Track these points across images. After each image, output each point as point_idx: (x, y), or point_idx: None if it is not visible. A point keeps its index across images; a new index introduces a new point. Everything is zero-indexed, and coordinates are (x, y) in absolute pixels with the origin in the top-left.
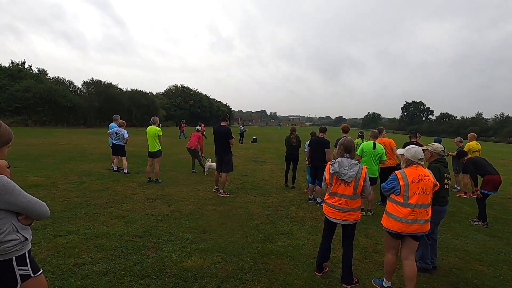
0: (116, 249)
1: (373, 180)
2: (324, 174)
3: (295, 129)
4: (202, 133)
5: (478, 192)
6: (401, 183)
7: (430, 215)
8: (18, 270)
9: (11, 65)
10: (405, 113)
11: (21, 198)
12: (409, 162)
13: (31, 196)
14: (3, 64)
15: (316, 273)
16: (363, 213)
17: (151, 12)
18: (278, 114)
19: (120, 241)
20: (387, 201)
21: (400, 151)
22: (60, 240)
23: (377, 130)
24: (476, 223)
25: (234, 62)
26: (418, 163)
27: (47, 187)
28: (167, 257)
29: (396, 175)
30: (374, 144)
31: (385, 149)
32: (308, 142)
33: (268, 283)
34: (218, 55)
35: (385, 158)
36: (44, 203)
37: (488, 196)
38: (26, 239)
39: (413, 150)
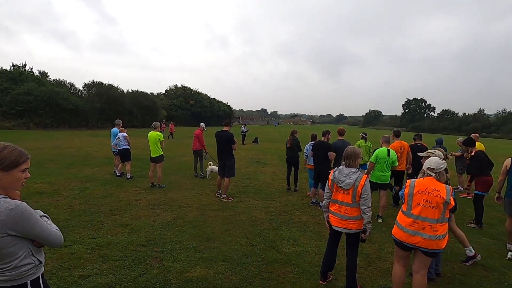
0: (121, 260)
1: (385, 186)
2: (327, 180)
3: (295, 132)
4: (171, 133)
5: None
6: (406, 191)
7: (439, 232)
8: None
9: (12, 68)
10: (406, 110)
11: (37, 227)
12: (423, 172)
13: (46, 225)
14: (4, 68)
15: (320, 282)
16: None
17: (143, 9)
18: (279, 113)
19: (125, 251)
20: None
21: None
22: (65, 251)
23: (388, 136)
24: (470, 225)
25: (232, 59)
26: (428, 174)
27: (50, 194)
28: (171, 267)
29: (406, 183)
30: (388, 151)
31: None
32: (308, 145)
33: None
34: (216, 53)
35: (397, 164)
36: (58, 232)
37: (483, 197)
38: (40, 262)
39: (427, 159)
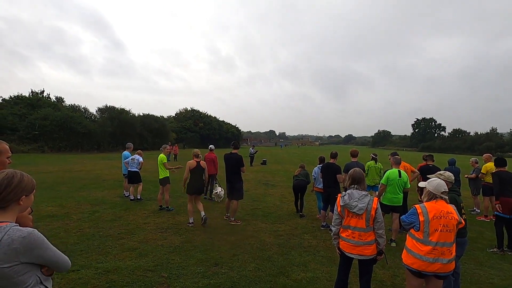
0: (128, 285)
1: (398, 209)
2: (336, 206)
3: (303, 166)
4: (175, 155)
5: (498, 205)
6: (421, 218)
7: (454, 254)
8: None
9: (31, 94)
10: (416, 130)
11: (49, 252)
12: (431, 196)
13: (56, 249)
14: (23, 94)
15: None
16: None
17: (150, 35)
18: (287, 134)
19: (132, 276)
20: (407, 236)
21: (422, 183)
22: (73, 276)
23: (398, 157)
24: (491, 250)
25: (238, 81)
26: (441, 197)
27: (61, 218)
28: None
29: (416, 210)
30: (399, 172)
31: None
32: (316, 168)
33: None
34: (222, 76)
35: (409, 186)
36: (66, 257)
37: (505, 220)
38: None
39: (435, 182)
